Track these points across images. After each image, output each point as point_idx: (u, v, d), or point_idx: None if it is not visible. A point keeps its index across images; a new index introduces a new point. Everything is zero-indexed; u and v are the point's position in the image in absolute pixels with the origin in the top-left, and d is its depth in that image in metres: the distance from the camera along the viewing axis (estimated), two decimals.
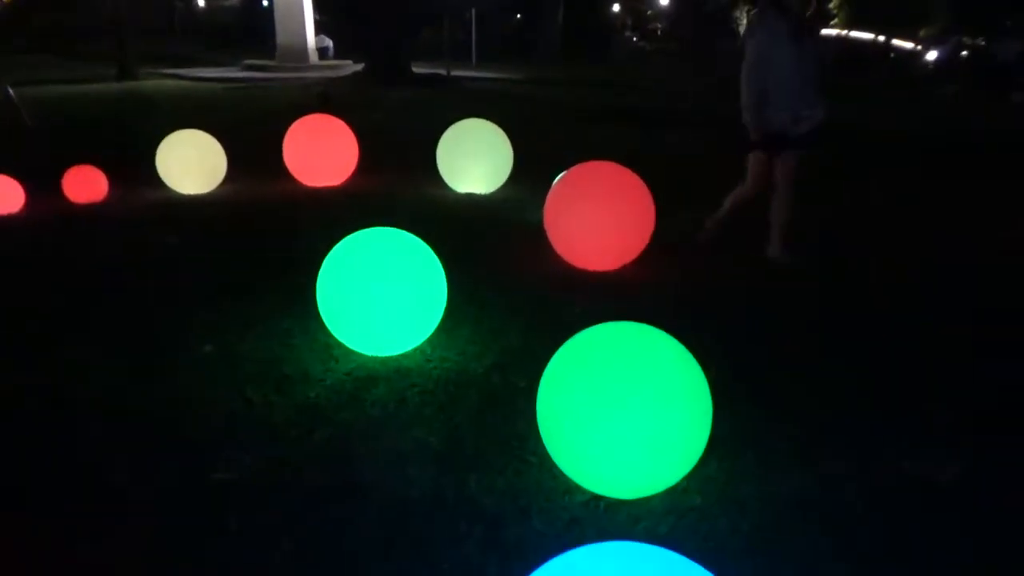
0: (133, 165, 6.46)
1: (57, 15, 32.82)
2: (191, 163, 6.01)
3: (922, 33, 38.68)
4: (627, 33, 46.69)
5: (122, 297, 3.78)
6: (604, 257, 4.23)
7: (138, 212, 5.54)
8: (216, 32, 34.93)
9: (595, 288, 3.96)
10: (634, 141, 9.75)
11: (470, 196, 6.06)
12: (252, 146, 8.06)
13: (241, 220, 5.31)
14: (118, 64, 18.14)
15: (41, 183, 5.80)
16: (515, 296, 3.81)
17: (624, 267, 4.24)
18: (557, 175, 5.43)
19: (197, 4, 42.93)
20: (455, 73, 18.78)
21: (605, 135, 10.13)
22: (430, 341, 3.17)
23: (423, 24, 22.07)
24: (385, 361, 3.05)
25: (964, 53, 29.80)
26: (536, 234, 4.76)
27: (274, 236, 4.92)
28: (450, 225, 5.13)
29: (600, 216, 4.09)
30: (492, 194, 6.11)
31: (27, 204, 5.55)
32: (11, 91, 10.51)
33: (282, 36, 20.92)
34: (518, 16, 40.91)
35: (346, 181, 6.50)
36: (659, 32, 47.37)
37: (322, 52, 23.03)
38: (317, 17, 22.50)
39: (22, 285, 4.03)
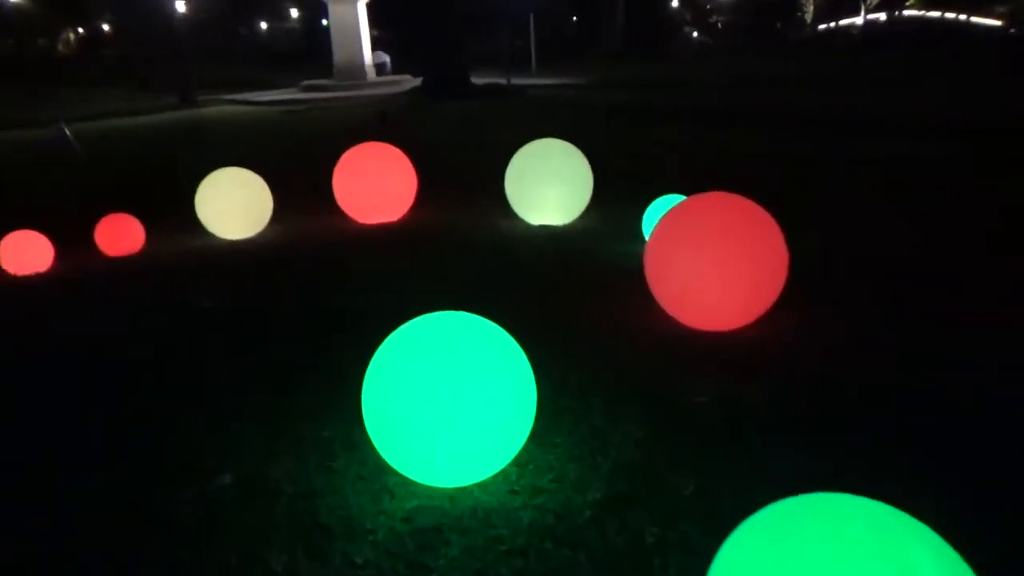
0: (176, 205, 5.90)
1: (128, 46, 33.69)
2: (232, 206, 5.37)
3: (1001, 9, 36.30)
4: (687, 28, 45.29)
5: (128, 399, 3.08)
6: (726, 316, 3.33)
7: (173, 266, 4.91)
8: (278, 55, 35.30)
9: (722, 361, 3.07)
10: (717, 143, 8.76)
11: (545, 229, 5.23)
12: (304, 174, 7.46)
13: (284, 273, 4.61)
14: (179, 92, 18.10)
15: (75, 234, 5.30)
16: (620, 378, 2.95)
17: (750, 326, 3.34)
18: (643, 199, 4.59)
19: (260, 28, 43.66)
20: (515, 81, 18.06)
21: (683, 139, 9.18)
22: (516, 459, 2.35)
23: (480, 33, 21.44)
24: (456, 496, 2.24)
25: None
26: (630, 279, 3.92)
27: (319, 295, 4.19)
28: (526, 273, 4.31)
29: (718, 268, 3.20)
30: (570, 225, 5.27)
31: (56, 259, 5.01)
32: (64, 127, 10.25)
33: (339, 54, 20.63)
34: (574, 19, 40.05)
35: (404, 216, 5.77)
36: (720, 25, 45.80)
37: (379, 68, 22.69)
38: (374, 33, 22.15)
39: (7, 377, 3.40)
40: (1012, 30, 30.74)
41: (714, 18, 46.99)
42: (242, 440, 2.61)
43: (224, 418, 2.78)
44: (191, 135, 12.56)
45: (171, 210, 5.98)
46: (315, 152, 9.37)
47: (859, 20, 38.91)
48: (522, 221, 5.38)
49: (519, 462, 2.36)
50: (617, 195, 5.78)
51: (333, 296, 4.10)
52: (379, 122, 12.25)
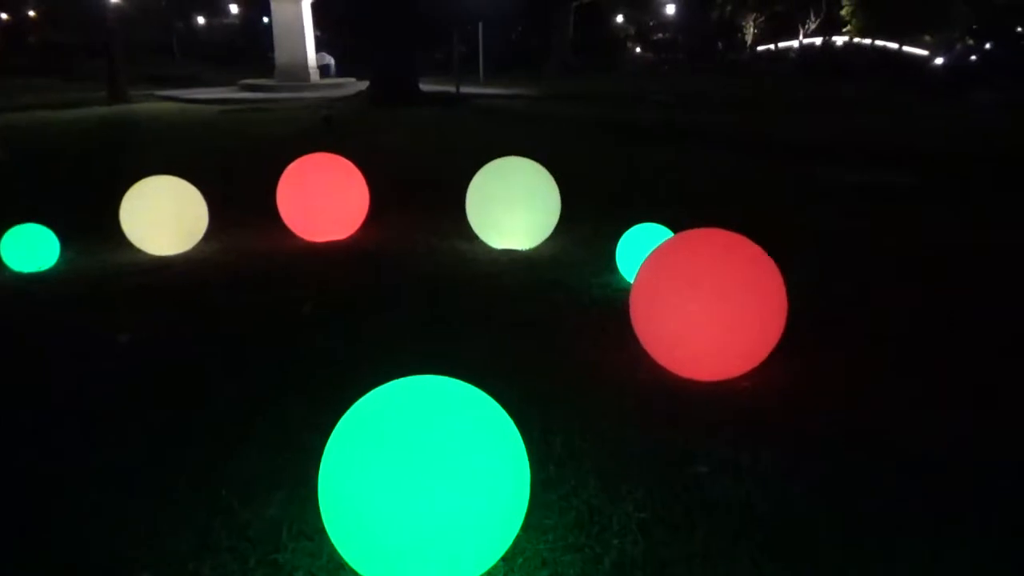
0: (99, 214, 5.30)
1: (57, 34, 31.91)
2: (161, 219, 4.82)
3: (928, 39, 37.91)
4: (630, 44, 45.79)
5: (12, 468, 2.56)
6: (721, 365, 3.02)
7: (89, 287, 4.33)
8: (215, 51, 34.01)
9: (721, 418, 2.75)
10: (688, 164, 8.56)
11: (509, 254, 4.86)
12: (245, 181, 6.91)
13: (219, 302, 4.10)
14: (108, 86, 17.09)
15: None
16: (611, 441, 2.59)
17: (746, 375, 3.04)
18: (612, 222, 4.28)
19: (197, 23, 42.06)
20: (464, 90, 17.68)
21: (650, 158, 8.96)
22: (505, 557, 1.97)
23: (429, 39, 20.97)
24: None
25: (972, 58, 29.01)
26: (610, 316, 3.66)
27: (259, 332, 3.70)
28: (493, 308, 3.92)
29: (714, 314, 2.88)
30: (536, 251, 4.92)
31: None
32: None
33: (281, 54, 19.87)
34: (519, 29, 39.91)
35: (354, 234, 5.31)
36: (661, 41, 46.44)
37: (323, 70, 22.00)
38: (318, 33, 21.46)
39: None
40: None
41: (657, 35, 47.64)
42: (163, 526, 2.15)
43: (140, 496, 2.31)
44: (119, 133, 11.73)
45: (93, 221, 5.38)
46: (256, 157, 8.82)
47: (795, 44, 39.90)
48: (484, 244, 5.00)
49: (506, 554, 1.98)
50: (584, 217, 5.47)
51: (276, 333, 3.62)
52: (324, 126, 11.69)
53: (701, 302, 2.91)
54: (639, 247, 4.21)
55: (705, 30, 42.69)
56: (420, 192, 6.80)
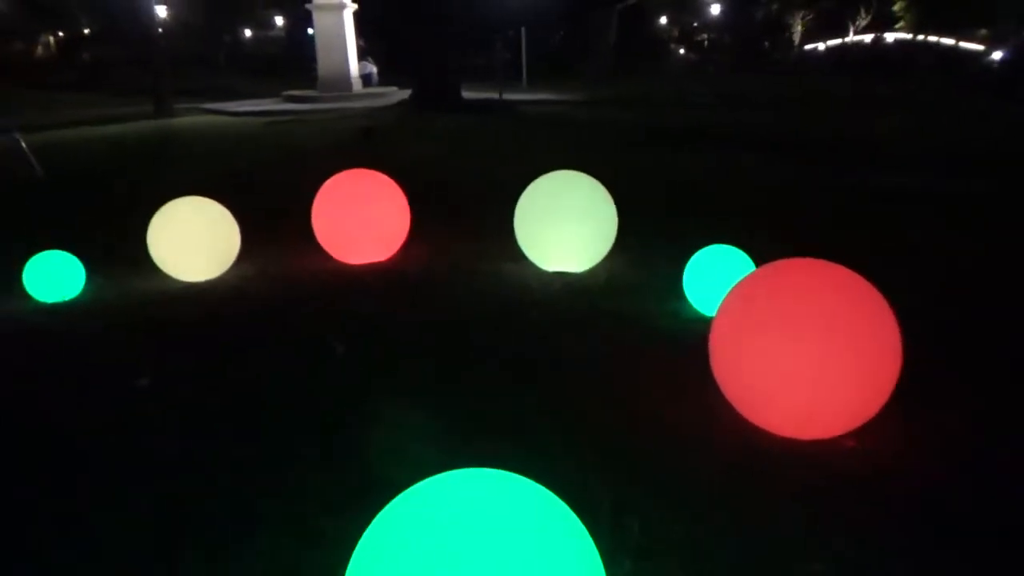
0: (131, 237, 5.04)
1: (108, 50, 32.61)
2: (189, 243, 4.52)
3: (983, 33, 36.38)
4: (673, 45, 45.04)
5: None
6: (823, 422, 2.54)
7: (114, 319, 4.04)
8: (261, 64, 34.35)
9: (834, 494, 2.28)
10: (743, 171, 8.01)
11: (562, 279, 4.43)
12: (281, 198, 6.62)
13: (241, 340, 3.75)
14: (154, 100, 17.20)
15: (7, 276, 4.43)
16: (699, 523, 2.14)
17: (852, 433, 2.55)
18: (675, 240, 3.82)
19: (244, 36, 42.68)
20: (507, 96, 17.33)
21: (703, 165, 8.43)
22: None
23: (471, 45, 20.68)
24: None
25: None
26: (680, 352, 3.21)
27: (282, 380, 3.33)
28: (547, 346, 3.50)
29: (816, 363, 2.41)
30: (591, 274, 4.48)
31: None
32: (20, 138, 9.33)
33: (323, 64, 19.78)
34: (561, 33, 39.49)
35: (394, 255, 4.95)
36: (706, 43, 45.56)
37: (366, 79, 21.87)
38: (360, 43, 21.35)
39: None
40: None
41: (700, 36, 46.78)
42: None
43: None
44: (160, 149, 11.64)
45: (123, 244, 5.12)
46: (294, 170, 8.55)
47: (838, 41, 38.57)
48: (533, 266, 4.59)
49: None
50: (639, 234, 5.00)
51: (300, 384, 3.23)
52: (364, 137, 11.43)
53: (803, 350, 2.44)
54: (710, 272, 3.75)
55: (750, 30, 41.71)
56: (464, 206, 6.42)
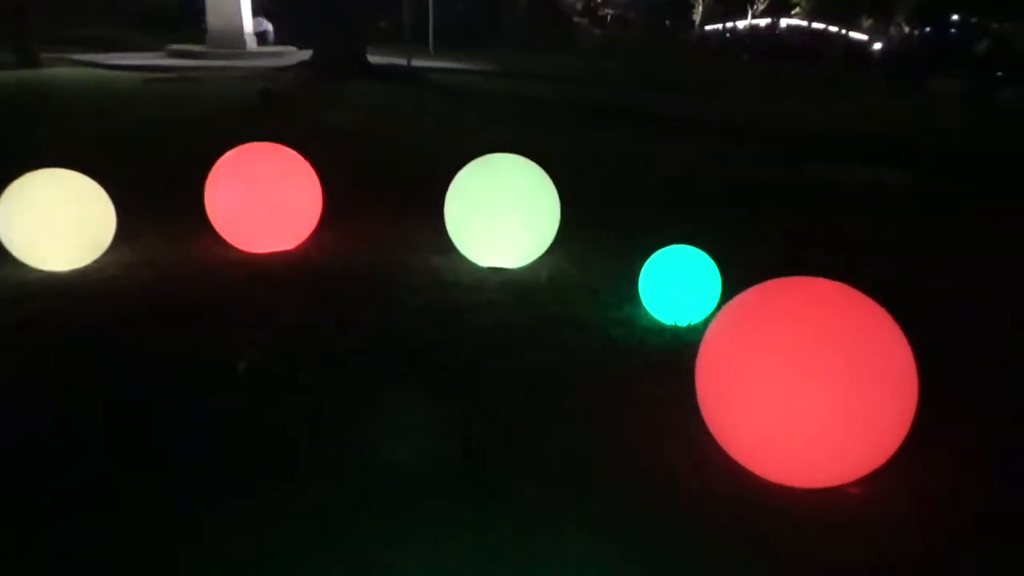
0: None
1: None
2: (51, 225, 3.74)
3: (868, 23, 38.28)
4: (576, 19, 44.92)
5: None
6: (829, 469, 2.20)
7: None
8: (142, 13, 31.57)
9: (843, 558, 1.94)
10: (680, 156, 7.71)
11: (498, 276, 3.95)
12: (167, 170, 5.78)
13: (122, 341, 3.09)
14: (14, 48, 15.28)
15: None
16: None
17: (859, 480, 2.23)
18: (620, 233, 3.45)
19: None
20: (414, 63, 16.47)
21: (636, 148, 8.10)
22: None
23: (375, 6, 19.52)
24: None
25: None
26: (643, 372, 2.80)
27: (164, 403, 2.72)
28: (489, 362, 3.02)
29: (823, 404, 2.06)
30: (530, 271, 4.02)
31: None
32: None
33: (213, 17, 18.24)
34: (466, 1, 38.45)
35: (304, 242, 4.31)
36: (609, 19, 45.68)
37: (260, 37, 20.37)
38: None
39: None
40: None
41: (604, 11, 46.84)
42: None
43: None
44: (18, 107, 10.23)
45: None
46: (183, 137, 7.62)
47: (740, 25, 39.54)
48: (466, 261, 4.08)
49: None
50: (579, 226, 4.57)
51: (189, 411, 2.63)
52: (262, 100, 10.46)
53: (811, 389, 2.07)
54: (668, 276, 3.37)
55: (656, 7, 42.04)
56: (383, 188, 5.79)
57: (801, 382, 2.08)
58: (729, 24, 41.24)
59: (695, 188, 6.35)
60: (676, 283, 3.34)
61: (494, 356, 3.03)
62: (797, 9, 41.31)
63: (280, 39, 21.53)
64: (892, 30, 36.37)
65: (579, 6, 46.34)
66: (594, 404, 2.70)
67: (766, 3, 39.80)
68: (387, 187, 5.80)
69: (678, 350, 3.12)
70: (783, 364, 2.10)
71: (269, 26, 21.86)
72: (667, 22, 43.03)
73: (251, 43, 18.87)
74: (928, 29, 32.77)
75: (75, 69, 15.09)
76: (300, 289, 3.70)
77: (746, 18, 40.03)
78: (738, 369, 2.19)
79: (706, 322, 3.37)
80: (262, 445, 2.37)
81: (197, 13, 20.68)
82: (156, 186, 5.28)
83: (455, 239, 4.08)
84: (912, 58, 23.53)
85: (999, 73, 17.94)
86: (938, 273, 4.40)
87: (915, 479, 2.29)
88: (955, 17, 34.76)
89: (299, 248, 4.26)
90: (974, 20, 30.44)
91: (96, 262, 3.91)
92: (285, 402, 2.63)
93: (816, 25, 37.55)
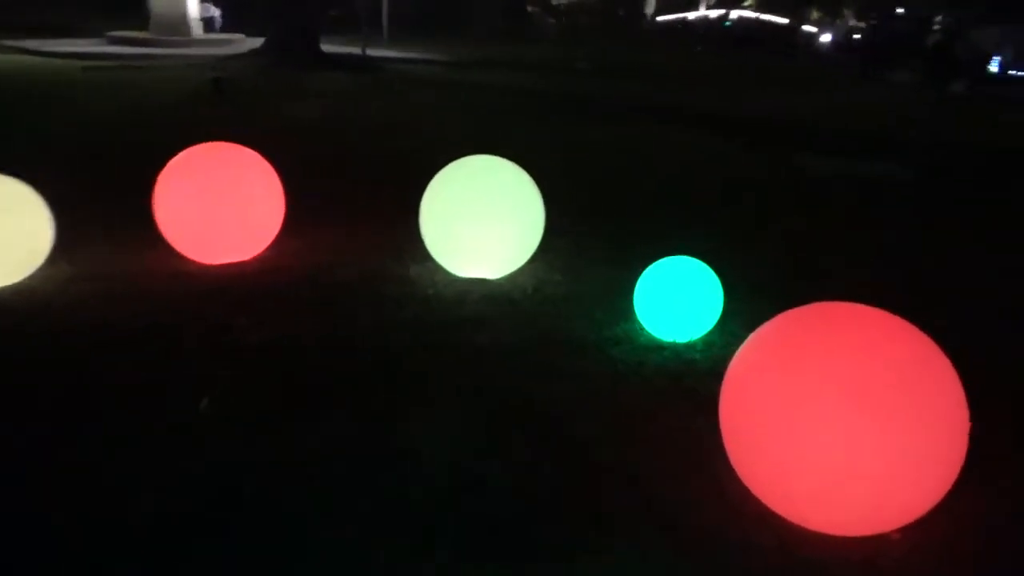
0: None
1: None
2: None
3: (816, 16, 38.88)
4: (530, 8, 44.59)
5: None
6: (875, 516, 1.98)
7: None
8: None
9: None
10: (665, 151, 7.46)
11: (481, 288, 3.65)
12: (111, 172, 5.33)
13: (62, 368, 2.73)
14: None
15: None
16: None
17: (905, 527, 2.02)
18: (607, 237, 3.23)
19: None
20: (370, 53, 15.98)
21: (617, 142, 7.83)
22: None
23: None
24: None
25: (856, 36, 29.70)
26: (650, 399, 2.58)
27: (118, 434, 2.38)
28: (475, 388, 2.74)
29: (872, 448, 1.85)
30: (514, 281, 3.73)
31: None
32: None
33: (157, 4, 17.40)
34: None
35: (265, 252, 3.95)
36: (561, 7, 45.45)
37: (207, 23, 19.58)
38: None
39: None
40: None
41: (556, 1, 46.59)
42: None
43: None
44: None
45: None
46: (128, 132, 7.11)
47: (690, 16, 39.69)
48: (443, 271, 3.78)
49: None
50: (562, 231, 4.30)
51: (141, 451, 2.30)
52: (214, 91, 9.93)
53: (857, 433, 1.85)
54: (666, 290, 3.12)
55: None
56: (350, 189, 5.42)
57: (852, 424, 1.85)
58: (683, 15, 41.40)
59: (684, 187, 6.12)
60: (675, 298, 3.10)
61: (485, 384, 2.75)
62: (749, 2, 41.71)
63: (228, 26, 20.74)
64: (838, 22, 36.99)
65: None
66: (604, 439, 2.44)
67: None
68: (355, 188, 5.44)
69: (681, 372, 2.90)
70: (831, 405, 1.87)
71: (216, 12, 21.05)
72: (620, 12, 42.99)
73: (197, 30, 18.12)
74: (874, 22, 33.29)
75: (8, 56, 14.22)
76: (260, 307, 3.35)
77: (697, 9, 40.24)
78: (777, 411, 1.95)
79: (708, 339, 3.15)
80: (244, 499, 2.06)
81: None
82: (98, 190, 4.83)
83: (432, 248, 3.77)
84: (867, 50, 23.82)
85: (951, 65, 18.18)
86: (956, 276, 4.26)
87: (963, 523, 2.09)
88: (900, 11, 35.48)
89: (257, 259, 3.90)
90: (923, 14, 31.07)
91: (30, 278, 3.50)
92: (260, 442, 2.31)
93: (765, 17, 37.90)
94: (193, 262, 3.78)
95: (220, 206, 3.67)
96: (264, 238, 3.94)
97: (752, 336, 2.14)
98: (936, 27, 23.81)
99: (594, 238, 4.46)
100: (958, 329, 2.95)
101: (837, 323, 2.02)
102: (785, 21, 36.86)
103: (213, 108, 8.83)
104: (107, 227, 4.20)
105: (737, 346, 3.08)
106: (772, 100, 12.41)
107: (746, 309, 3.30)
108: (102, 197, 4.68)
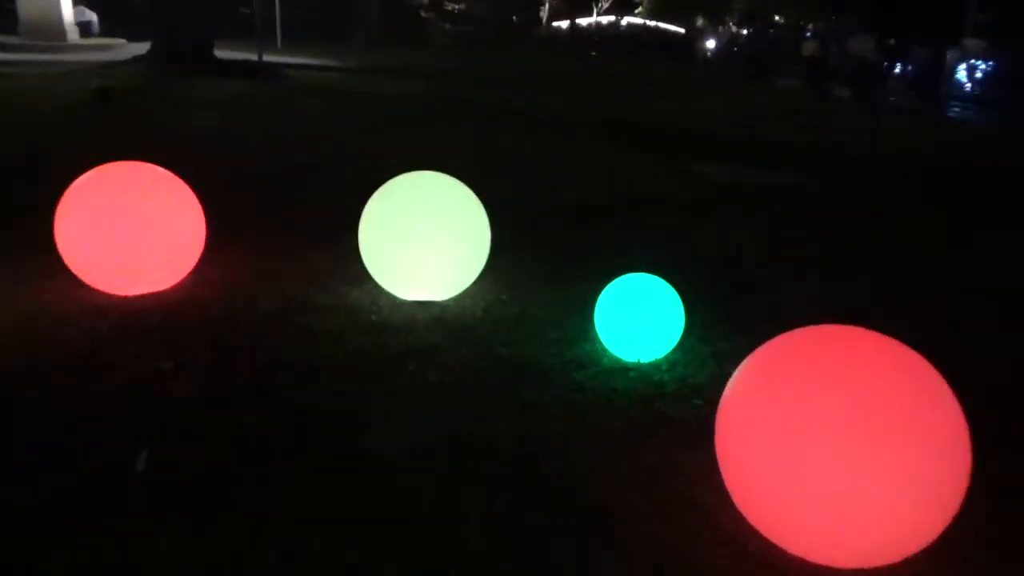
0: None
1: None
2: None
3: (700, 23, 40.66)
4: (423, 13, 44.30)
5: None
6: (883, 547, 1.94)
7: None
8: None
9: None
10: (575, 159, 7.44)
11: (427, 311, 3.46)
12: (4, 190, 4.79)
13: None
14: None
15: None
16: None
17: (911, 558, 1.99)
18: (553, 252, 3.16)
19: None
20: (265, 59, 15.37)
21: (551, 152, 7.75)
22: None
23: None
24: None
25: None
26: (624, 428, 2.47)
27: (26, 505, 2.06)
28: (441, 414, 2.56)
29: (880, 478, 1.80)
30: (462, 303, 3.56)
31: None
32: None
33: (26, 6, 16.12)
34: None
35: (184, 280, 3.60)
36: (456, 12, 45.42)
37: (83, 28, 18.31)
38: None
39: None
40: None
41: (451, 6, 46.49)
42: None
43: None
44: None
45: None
46: (8, 149, 6.44)
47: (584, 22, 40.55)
48: (385, 293, 3.56)
49: None
50: (501, 245, 4.15)
51: (55, 520, 2.00)
52: (100, 101, 9.21)
53: (866, 463, 1.80)
54: (628, 307, 3.04)
55: (503, 3, 42.17)
56: (265, 205, 5.09)
57: (860, 455, 1.80)
58: (578, 21, 42.16)
59: (610, 198, 6.10)
60: (638, 316, 3.01)
61: (459, 423, 2.56)
62: (640, 8, 42.94)
63: (106, 31, 19.48)
64: (720, 29, 38.69)
65: (426, 1, 45.69)
66: (585, 478, 2.30)
67: (610, 2, 41.03)
68: (272, 204, 5.11)
69: (651, 395, 2.80)
70: (839, 435, 1.81)
71: (93, 16, 19.72)
72: (514, 18, 43.31)
73: (73, 35, 16.91)
74: (750, 30, 34.96)
75: None
76: (188, 346, 3.02)
77: (591, 15, 41.08)
78: (781, 443, 1.88)
79: (671, 357, 3.09)
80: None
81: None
82: None
83: (372, 269, 3.55)
84: (748, 57, 25.00)
85: (825, 73, 19.23)
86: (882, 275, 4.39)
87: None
88: (777, 18, 37.46)
89: (177, 287, 3.55)
90: (800, 22, 32.86)
91: None
92: (182, 507, 2.04)
93: (651, 23, 39.11)
94: (103, 293, 3.40)
95: (136, 231, 3.31)
96: (184, 265, 3.59)
97: (748, 362, 2.06)
98: (808, 35, 25.30)
99: (533, 253, 4.34)
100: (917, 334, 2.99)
101: (836, 348, 1.97)
102: (680, 29, 38.19)
103: (100, 119, 8.17)
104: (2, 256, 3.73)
105: (700, 363, 3.08)
106: (666, 105, 12.74)
107: (699, 323, 3.28)
108: None
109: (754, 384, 2.01)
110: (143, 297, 3.42)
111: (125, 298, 3.39)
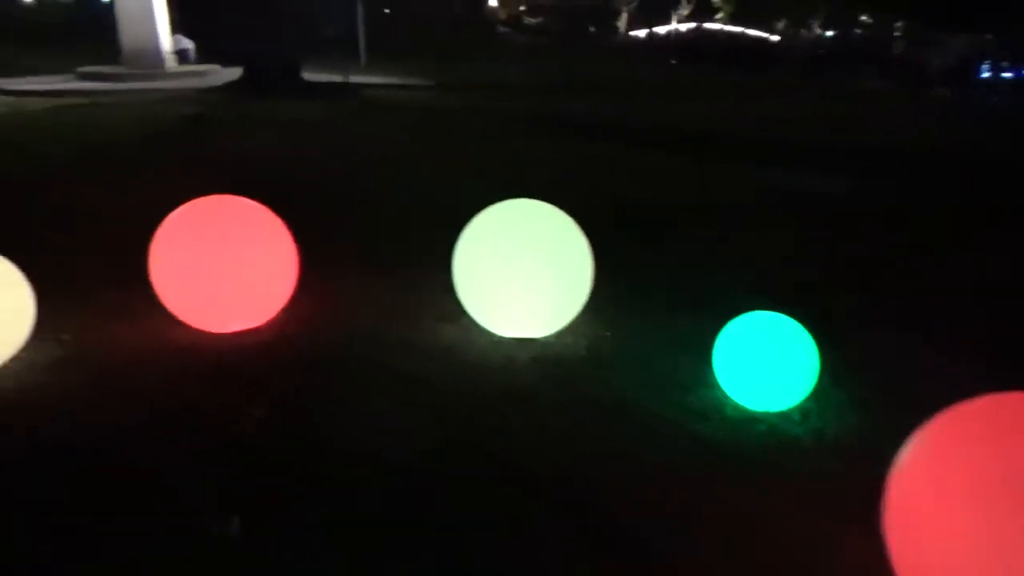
0: None
1: None
2: None
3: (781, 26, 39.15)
4: (500, 28, 44.59)
5: None
6: None
7: None
8: (45, 32, 29.47)
9: None
10: (678, 178, 7.04)
11: (527, 351, 3.23)
12: (92, 227, 4.84)
13: (52, 469, 2.26)
14: None
15: None
16: None
17: None
18: (665, 284, 2.92)
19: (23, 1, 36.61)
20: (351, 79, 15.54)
21: (658, 168, 7.39)
22: None
23: (313, 17, 18.33)
24: None
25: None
26: (760, 487, 2.18)
27: (129, 561, 1.93)
28: (553, 470, 2.32)
29: None
30: (564, 341, 3.32)
31: None
32: None
33: (127, 35, 16.86)
34: (386, 11, 37.42)
35: (277, 316, 3.50)
36: (534, 26, 45.48)
37: (181, 55, 19.06)
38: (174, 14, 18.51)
39: None
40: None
41: (527, 19, 46.66)
42: None
43: None
44: None
45: None
46: (105, 181, 6.59)
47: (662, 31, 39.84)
48: (484, 331, 3.35)
49: None
50: (606, 278, 3.86)
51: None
52: (194, 127, 9.46)
53: None
54: (751, 351, 2.73)
55: (578, 14, 42.02)
56: (363, 238, 4.93)
57: None
58: (656, 29, 41.52)
59: (726, 217, 5.72)
60: (765, 360, 2.70)
61: (560, 467, 2.32)
62: (720, 14, 41.94)
63: (200, 57, 20.25)
64: (803, 32, 37.30)
65: (503, 15, 46.03)
66: (711, 556, 2.02)
67: (690, 9, 40.25)
68: (370, 236, 4.97)
69: (787, 455, 2.48)
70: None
71: (190, 44, 20.53)
72: (591, 28, 43.04)
73: (171, 63, 17.60)
74: (832, 32, 33.60)
75: None
76: (283, 388, 2.90)
77: (670, 23, 40.37)
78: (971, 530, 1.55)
79: (803, 406, 2.75)
80: None
81: (102, 30, 19.14)
82: (81, 253, 4.34)
83: (468, 305, 3.35)
84: (839, 60, 24.06)
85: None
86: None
87: None
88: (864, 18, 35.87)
89: (270, 324, 3.44)
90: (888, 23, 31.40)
91: (13, 361, 3.02)
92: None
93: (731, 28, 38.06)
94: (195, 330, 3.32)
95: (230, 268, 3.22)
96: (276, 302, 3.49)
97: (924, 435, 1.74)
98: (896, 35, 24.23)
99: (636, 285, 4.05)
100: None
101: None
102: (762, 34, 37.08)
103: (194, 144, 8.35)
104: (95, 291, 3.72)
105: (836, 412, 2.73)
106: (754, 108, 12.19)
107: (827, 361, 2.89)
108: (85, 259, 4.18)
109: (940, 455, 1.69)
110: (233, 334, 3.32)
111: (212, 334, 3.30)
